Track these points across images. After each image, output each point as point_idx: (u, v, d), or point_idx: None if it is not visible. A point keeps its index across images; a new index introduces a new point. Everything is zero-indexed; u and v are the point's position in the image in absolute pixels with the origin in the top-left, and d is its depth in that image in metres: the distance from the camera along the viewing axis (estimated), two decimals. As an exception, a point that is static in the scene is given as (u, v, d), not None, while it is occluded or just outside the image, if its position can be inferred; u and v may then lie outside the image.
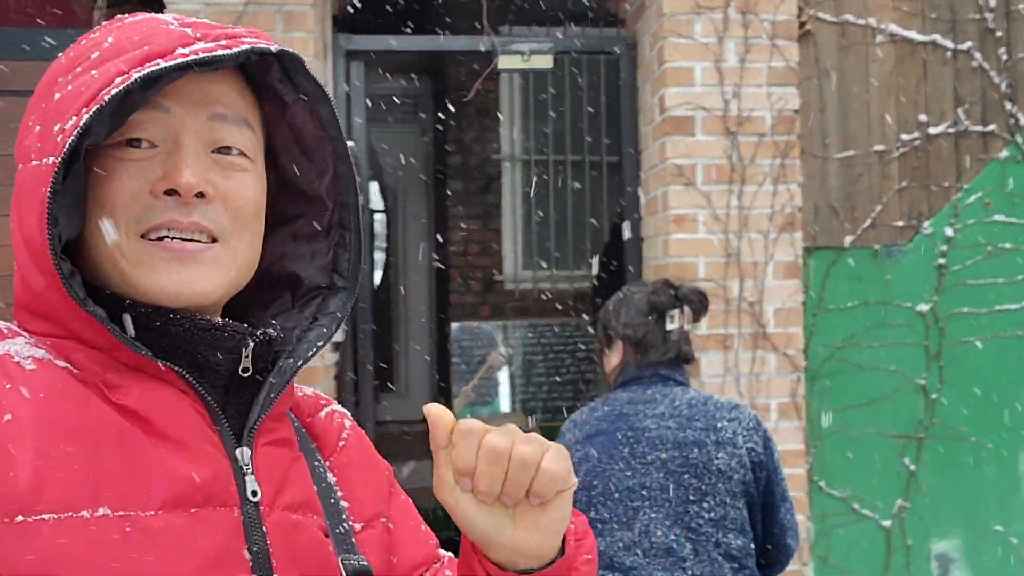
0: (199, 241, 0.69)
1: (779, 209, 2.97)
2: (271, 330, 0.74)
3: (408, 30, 3.80)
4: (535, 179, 4.91)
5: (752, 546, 1.83)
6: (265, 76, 0.75)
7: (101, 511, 0.60)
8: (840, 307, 3.16)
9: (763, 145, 2.96)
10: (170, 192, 0.68)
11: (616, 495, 1.81)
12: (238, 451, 0.70)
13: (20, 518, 0.58)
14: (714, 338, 2.95)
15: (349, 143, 2.88)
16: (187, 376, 0.69)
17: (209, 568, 0.64)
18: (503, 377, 5.08)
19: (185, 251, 0.68)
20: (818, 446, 3.16)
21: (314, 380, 2.70)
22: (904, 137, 3.18)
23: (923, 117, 3.18)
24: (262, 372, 0.73)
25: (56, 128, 0.66)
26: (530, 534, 0.69)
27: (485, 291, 5.33)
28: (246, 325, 0.73)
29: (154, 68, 0.64)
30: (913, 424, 3.19)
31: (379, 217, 5.92)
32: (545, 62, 3.20)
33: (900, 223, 3.18)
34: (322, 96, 0.76)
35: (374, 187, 5.70)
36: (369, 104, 3.34)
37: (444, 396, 5.26)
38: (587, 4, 3.59)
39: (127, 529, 0.61)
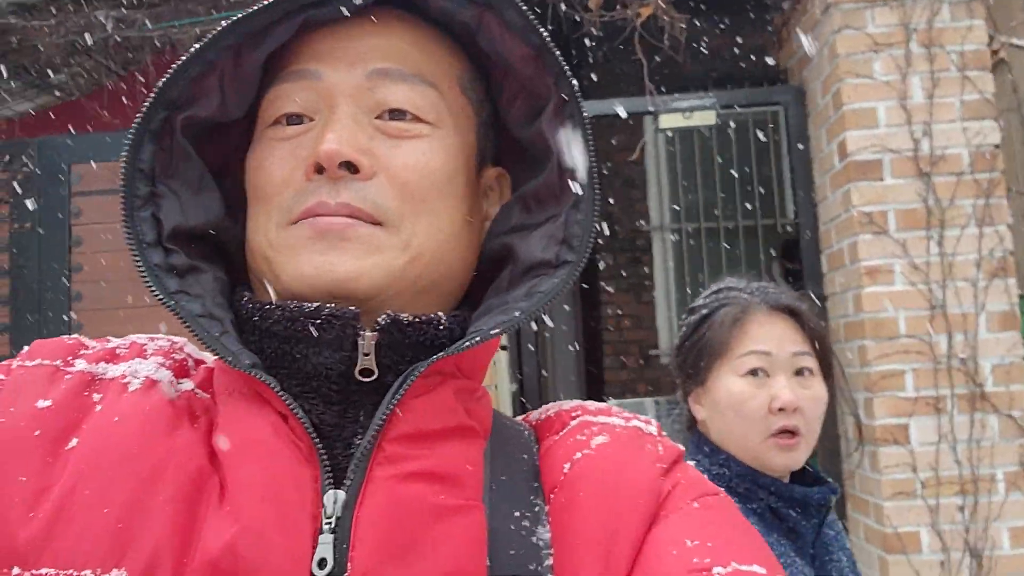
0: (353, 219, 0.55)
1: (987, 254, 2.67)
2: (405, 315, 0.55)
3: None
4: (686, 249, 4.74)
5: None
6: (429, 6, 0.60)
7: (114, 573, 0.47)
8: (1069, 361, 2.79)
9: (962, 184, 2.69)
10: (321, 170, 0.55)
11: None
12: (328, 495, 0.50)
13: (16, 571, 0.47)
14: (923, 400, 2.64)
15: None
16: (279, 391, 0.52)
17: None
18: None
19: (332, 226, 0.54)
20: (1057, 523, 2.74)
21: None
22: None
23: None
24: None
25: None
26: None
27: (641, 367, 5.13)
28: (352, 308, 0.53)
29: (246, 12, 0.54)
30: None
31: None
32: (707, 118, 3.08)
33: None
34: (507, 1, 0.58)
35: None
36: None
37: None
38: (744, 66, 3.46)
39: None
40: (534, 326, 4.10)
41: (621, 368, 5.17)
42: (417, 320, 0.55)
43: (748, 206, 4.39)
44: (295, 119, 0.58)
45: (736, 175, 4.36)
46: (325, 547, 0.48)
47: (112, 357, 0.58)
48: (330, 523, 0.49)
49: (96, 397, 0.55)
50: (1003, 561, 2.58)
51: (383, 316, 0.54)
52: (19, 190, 2.70)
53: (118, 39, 3.06)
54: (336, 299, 0.53)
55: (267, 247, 0.56)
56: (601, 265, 5.19)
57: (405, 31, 0.60)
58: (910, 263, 2.68)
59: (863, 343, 2.70)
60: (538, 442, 0.61)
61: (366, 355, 0.53)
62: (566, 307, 5.59)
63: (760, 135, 3.34)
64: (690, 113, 3.02)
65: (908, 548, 2.58)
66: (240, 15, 0.55)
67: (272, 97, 0.59)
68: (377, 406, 0.53)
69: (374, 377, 0.54)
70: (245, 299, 0.57)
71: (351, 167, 0.54)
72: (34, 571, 0.47)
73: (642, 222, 5.16)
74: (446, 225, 0.58)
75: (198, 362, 0.60)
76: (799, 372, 1.23)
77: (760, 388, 1.21)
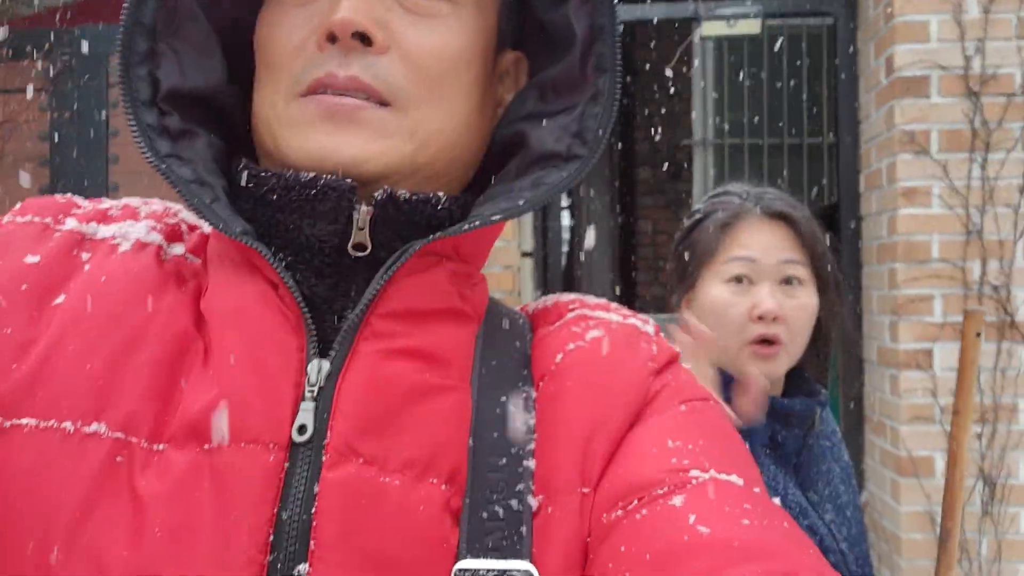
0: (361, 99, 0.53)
1: (1032, 179, 2.58)
2: (403, 191, 0.53)
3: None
4: (728, 165, 4.64)
5: None
6: None
7: (94, 427, 0.47)
8: (1108, 294, 2.71)
9: (1013, 106, 2.58)
10: (333, 39, 0.53)
11: None
12: (312, 364, 0.50)
13: None
14: (950, 327, 2.60)
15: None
16: (270, 258, 0.52)
17: (198, 532, 0.45)
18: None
19: (341, 108, 0.52)
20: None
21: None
22: None
23: None
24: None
25: None
26: None
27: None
28: (349, 180, 0.53)
29: None
30: None
31: (564, 206, 5.83)
32: (752, 27, 2.97)
33: None
34: None
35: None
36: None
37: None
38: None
39: (117, 459, 0.47)
40: (566, 234, 4.08)
41: (654, 283, 5.16)
42: (415, 197, 0.54)
43: (794, 123, 4.27)
44: None
45: (783, 90, 4.23)
46: (306, 414, 0.48)
47: (103, 218, 0.58)
48: (312, 391, 0.49)
49: (85, 256, 0.55)
50: (1017, 490, 2.58)
51: (380, 192, 0.53)
52: (58, 79, 2.74)
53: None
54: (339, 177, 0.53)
55: (274, 120, 0.54)
56: (640, 176, 5.12)
57: None
58: (950, 186, 2.60)
59: (894, 266, 2.66)
60: (533, 331, 0.61)
61: (360, 229, 0.53)
62: (598, 220, 5.57)
63: (808, 48, 3.22)
64: (734, 21, 2.92)
65: (921, 472, 2.59)
66: None
67: None
68: (369, 282, 0.53)
69: (367, 252, 0.54)
70: (241, 165, 0.56)
71: (365, 39, 0.52)
72: (14, 421, 0.47)
73: (685, 138, 5.06)
74: (459, 112, 0.56)
75: (192, 227, 0.59)
76: (787, 281, 1.19)
77: (742, 295, 1.19)
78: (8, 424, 0.47)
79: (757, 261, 1.19)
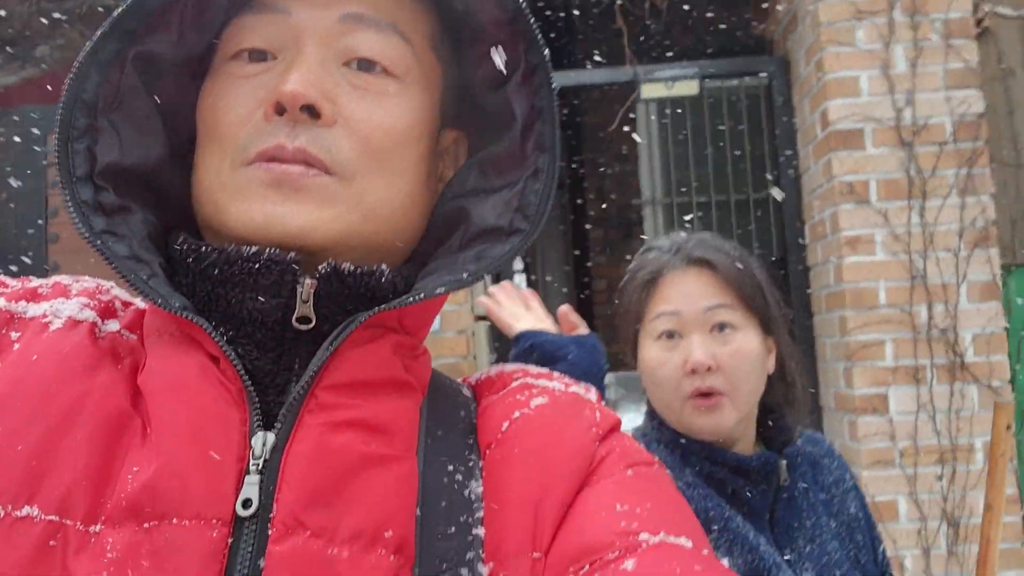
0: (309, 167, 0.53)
1: (969, 224, 2.66)
2: (347, 264, 0.53)
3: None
4: (677, 222, 4.71)
5: None
6: None
7: (25, 511, 0.45)
8: (1050, 331, 2.78)
9: (945, 155, 2.68)
10: (281, 111, 0.53)
11: None
12: (256, 437, 0.49)
13: None
14: (903, 370, 2.64)
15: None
16: (214, 334, 0.51)
17: None
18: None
19: (287, 176, 0.52)
20: (1036, 492, 2.75)
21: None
22: (1112, 135, 2.81)
23: None
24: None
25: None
26: None
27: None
28: (293, 254, 0.53)
29: None
30: None
31: (518, 271, 5.85)
32: (690, 88, 3.05)
33: (1115, 232, 2.79)
34: None
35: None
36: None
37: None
38: (729, 33, 3.43)
39: (51, 543, 0.45)
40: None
41: (612, 342, 5.17)
42: (359, 270, 0.54)
43: (739, 179, 4.37)
44: (257, 55, 0.56)
45: (726, 147, 4.34)
46: (251, 487, 0.47)
47: (33, 296, 0.56)
48: (258, 464, 0.48)
49: (14, 335, 0.53)
50: (979, 529, 2.59)
51: (324, 264, 0.53)
52: (-3, 161, 2.70)
53: (99, 8, 3.04)
54: (289, 249, 0.53)
55: (217, 188, 0.54)
56: (593, 235, 5.18)
57: None
58: (891, 233, 2.67)
59: (843, 313, 2.70)
60: (477, 400, 0.61)
61: (304, 302, 0.53)
62: (552, 278, 5.59)
63: (747, 106, 3.31)
64: (672, 83, 3.00)
65: (885, 516, 2.59)
66: None
67: (235, 29, 0.57)
68: (313, 354, 0.53)
69: (311, 326, 0.53)
70: (180, 239, 0.55)
71: (313, 111, 0.53)
72: None
73: (635, 198, 5.14)
74: (403, 186, 0.57)
75: (126, 304, 0.59)
76: (720, 327, 1.13)
77: (672, 351, 1.13)
78: None
79: (681, 313, 1.14)
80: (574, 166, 4.94)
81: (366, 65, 0.56)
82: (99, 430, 0.48)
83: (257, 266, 0.52)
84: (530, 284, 5.96)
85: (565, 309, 1.15)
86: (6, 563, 0.44)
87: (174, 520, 0.46)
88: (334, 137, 0.54)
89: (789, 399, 1.26)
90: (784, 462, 1.19)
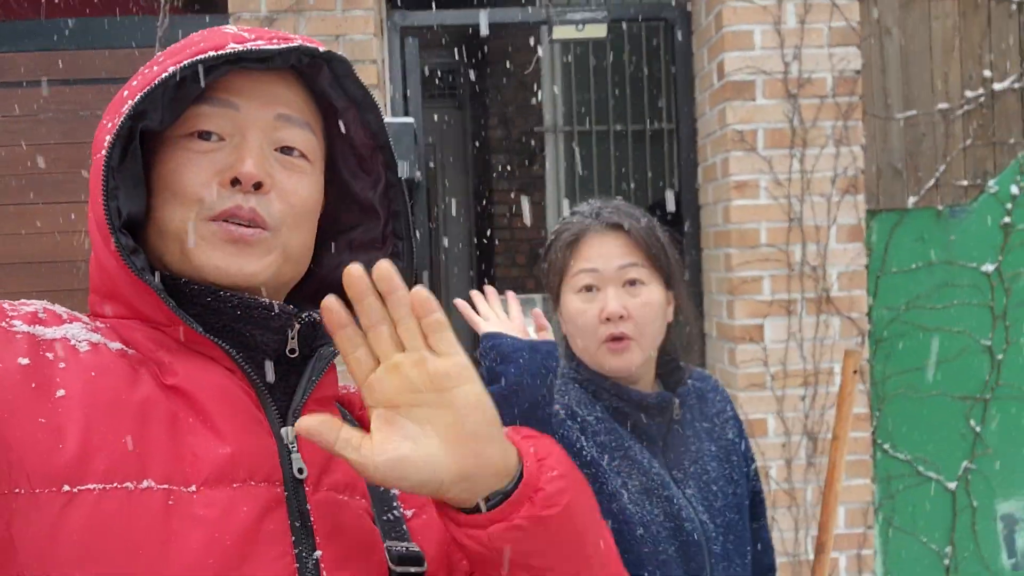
0: (255, 228, 0.73)
1: (842, 172, 2.94)
2: (316, 314, 0.77)
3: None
4: (578, 151, 4.89)
5: None
6: (318, 81, 0.79)
7: (146, 483, 0.63)
8: (904, 269, 3.14)
9: (825, 107, 2.93)
10: (235, 182, 0.73)
11: None
12: (283, 430, 0.72)
13: (66, 487, 0.61)
14: (777, 303, 2.94)
15: (407, 119, 2.89)
16: (234, 354, 0.72)
17: (250, 538, 0.65)
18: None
19: (242, 237, 0.73)
20: (882, 409, 3.15)
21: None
22: (968, 94, 3.13)
23: (987, 73, 3.13)
24: (309, 358, 0.77)
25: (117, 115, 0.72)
26: (460, 445, 0.65)
27: (530, 264, 5.34)
28: (292, 306, 0.76)
29: (203, 57, 0.71)
30: (979, 385, 3.17)
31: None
32: (599, 31, 3.18)
33: (964, 182, 3.14)
34: (370, 103, 0.80)
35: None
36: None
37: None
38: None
39: (170, 502, 0.63)
40: (429, 222, 4.20)
41: (512, 265, 5.37)
42: (319, 320, 0.76)
43: (637, 112, 4.56)
44: (206, 135, 0.74)
45: (626, 81, 4.50)
46: (297, 460, 0.71)
47: (35, 319, 0.70)
48: (292, 447, 0.72)
49: (50, 356, 0.67)
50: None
51: (305, 314, 0.76)
52: None
53: None
54: (242, 289, 0.73)
55: (184, 235, 0.72)
56: (495, 163, 5.30)
57: (300, 87, 0.79)
58: (774, 179, 2.93)
59: (728, 251, 2.96)
60: (353, 408, 0.86)
61: (292, 338, 0.75)
62: (456, 205, 5.70)
63: (649, 48, 3.47)
64: (582, 26, 3.12)
65: (756, 432, 2.93)
66: (201, 58, 0.72)
67: (194, 113, 0.74)
68: (299, 376, 0.76)
69: (296, 355, 0.76)
70: (190, 282, 0.73)
71: (258, 185, 0.73)
72: (80, 487, 0.61)
73: (537, 120, 5.26)
74: (307, 239, 0.79)
75: (96, 328, 0.73)
76: (631, 283, 1.36)
77: (591, 302, 1.36)
78: (76, 490, 0.61)
79: (599, 270, 1.36)
80: (482, 93, 5.01)
81: (288, 150, 0.77)
82: (163, 423, 0.67)
83: (273, 313, 0.73)
84: (432, 212, 6.04)
85: (537, 312, 1.36)
86: (149, 517, 0.62)
87: (251, 482, 0.68)
88: (270, 201, 0.74)
89: (683, 343, 1.50)
90: (677, 401, 1.42)
